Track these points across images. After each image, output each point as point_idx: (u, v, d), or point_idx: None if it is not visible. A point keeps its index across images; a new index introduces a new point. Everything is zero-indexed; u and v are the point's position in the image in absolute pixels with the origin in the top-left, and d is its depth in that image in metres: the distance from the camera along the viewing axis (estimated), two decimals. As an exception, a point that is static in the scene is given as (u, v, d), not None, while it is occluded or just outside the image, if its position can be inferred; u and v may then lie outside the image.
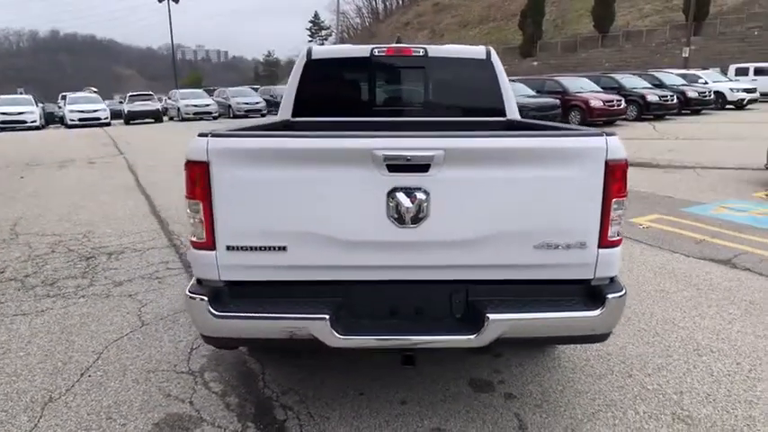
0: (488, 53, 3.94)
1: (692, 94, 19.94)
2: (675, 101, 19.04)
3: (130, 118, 28.50)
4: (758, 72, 25.47)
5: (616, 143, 2.17)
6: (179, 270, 4.81)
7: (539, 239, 2.21)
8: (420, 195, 2.12)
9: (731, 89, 22.15)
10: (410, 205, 2.12)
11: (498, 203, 2.16)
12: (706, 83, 22.29)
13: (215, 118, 29.17)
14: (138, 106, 29.17)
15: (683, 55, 29.76)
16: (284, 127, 3.76)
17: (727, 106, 21.98)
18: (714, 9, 40.98)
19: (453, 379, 2.97)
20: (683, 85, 20.91)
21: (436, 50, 3.91)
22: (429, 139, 2.11)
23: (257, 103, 30.93)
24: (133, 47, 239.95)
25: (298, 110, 3.91)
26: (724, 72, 26.02)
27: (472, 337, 2.18)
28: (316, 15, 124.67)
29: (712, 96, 20.63)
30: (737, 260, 4.86)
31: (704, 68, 26.67)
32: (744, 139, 13.12)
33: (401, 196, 2.12)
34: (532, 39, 52.99)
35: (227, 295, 2.27)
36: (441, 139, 2.10)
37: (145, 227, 6.36)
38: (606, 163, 2.16)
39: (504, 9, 68.98)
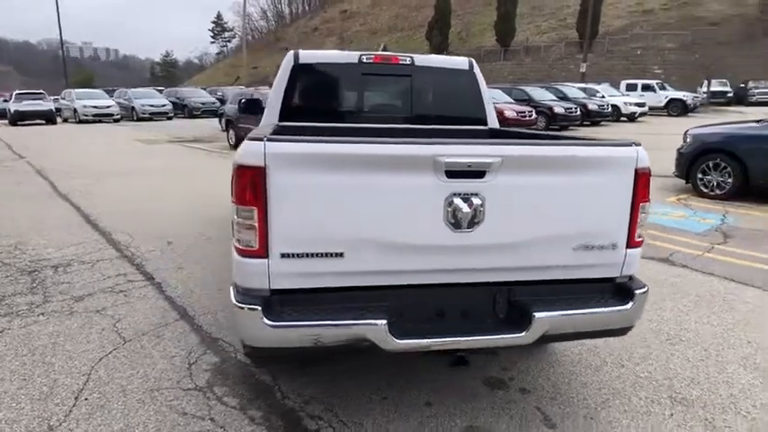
0: (471, 64, 4.11)
1: (592, 106, 21.74)
2: (579, 113, 20.65)
3: (18, 118, 25.99)
4: (645, 88, 28.31)
5: (643, 153, 2.39)
6: (142, 282, 4.50)
7: (577, 241, 2.37)
8: (476, 201, 2.20)
9: (625, 103, 24.45)
10: (468, 210, 2.19)
11: (544, 208, 2.30)
12: (603, 97, 24.39)
13: (116, 120, 27.45)
14: (28, 106, 26.59)
15: (581, 70, 32.31)
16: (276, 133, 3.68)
17: (622, 118, 24.22)
18: (602, 29, 44.91)
19: (467, 379, 3.07)
20: (584, 98, 22.74)
21: (422, 60, 4.02)
22: (489, 146, 2.20)
23: (163, 105, 29.50)
24: (8, 40, 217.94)
25: (285, 114, 3.83)
26: (615, 87, 28.60)
27: (521, 335, 2.30)
28: (218, 16, 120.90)
29: (610, 109, 22.62)
30: (674, 258, 5.41)
31: (597, 83, 29.16)
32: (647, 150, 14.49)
33: (459, 201, 2.19)
34: (439, 50, 54.97)
35: (278, 304, 2.20)
36: (499, 147, 2.20)
37: (84, 237, 5.87)
38: (636, 171, 2.37)
39: (412, 19, 71.04)
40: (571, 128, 20.95)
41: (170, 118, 29.03)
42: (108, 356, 3.25)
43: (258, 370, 3.10)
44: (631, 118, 24.42)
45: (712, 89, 33.20)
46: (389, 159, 2.14)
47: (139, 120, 27.93)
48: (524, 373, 3.15)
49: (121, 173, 10.60)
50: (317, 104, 3.97)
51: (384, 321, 2.17)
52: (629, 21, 48.06)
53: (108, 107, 27.93)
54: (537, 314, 2.29)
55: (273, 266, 2.16)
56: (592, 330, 2.48)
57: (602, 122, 22.95)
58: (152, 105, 29.11)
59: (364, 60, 3.90)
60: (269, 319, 2.13)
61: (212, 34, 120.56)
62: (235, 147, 16.03)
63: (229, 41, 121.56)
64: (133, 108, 28.64)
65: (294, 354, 2.28)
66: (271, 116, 3.85)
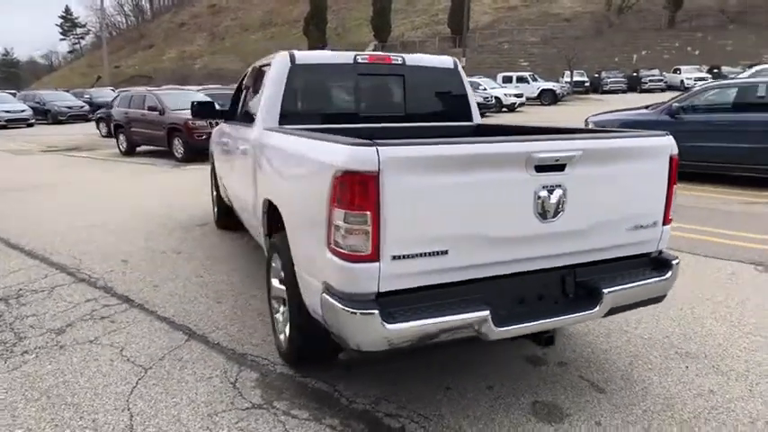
0: (455, 63, 4.31)
1: (479, 99, 23.09)
2: (468, 105, 21.83)
3: None
4: (519, 80, 30.76)
5: (674, 141, 2.73)
6: (122, 306, 4.13)
7: (632, 222, 2.66)
8: (559, 192, 2.39)
9: (505, 95, 26.33)
10: (553, 201, 2.38)
11: (608, 194, 2.55)
12: (485, 89, 26.03)
13: (-35, 129, 24.04)
14: None
15: (461, 65, 33.98)
16: None
17: (503, 109, 26.06)
18: (472, 24, 47.72)
19: (511, 359, 3.28)
20: (470, 91, 24.06)
21: (412, 59, 4.13)
22: (571, 141, 2.40)
23: (23, 111, 26.35)
24: None
25: (284, 117, 3.73)
26: (492, 80, 30.65)
27: (595, 310, 2.54)
28: (67, 10, 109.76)
29: (494, 101, 24.23)
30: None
31: (472, 77, 31.00)
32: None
33: (545, 193, 2.36)
34: (317, 46, 54.82)
35: (387, 305, 2.22)
36: (580, 141, 2.41)
37: (18, 263, 5.19)
38: (670, 157, 2.71)
39: (285, 15, 70.04)
40: (462, 119, 22.11)
41: (30, 125, 26.10)
42: (137, 387, 2.98)
43: (308, 379, 3.05)
44: (511, 108, 26.38)
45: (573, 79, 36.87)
46: (491, 158, 2.26)
47: (-8, 127, 24.70)
48: (553, 348, 3.43)
49: (14, 188, 9.40)
50: (317, 106, 3.92)
51: (488, 312, 2.28)
52: (495, 17, 51.62)
53: (-50, 115, 24.36)
54: (605, 290, 2.55)
55: (384, 269, 2.18)
56: (640, 300, 2.78)
57: (487, 113, 24.47)
58: (7, 111, 25.83)
59: (359, 60, 3.92)
60: (387, 322, 2.15)
61: (61, 30, 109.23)
62: (127, 153, 14.83)
63: (82, 38, 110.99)
64: (-18, 114, 25.18)
65: (398, 353, 2.29)
66: (269, 120, 3.71)
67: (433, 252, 2.24)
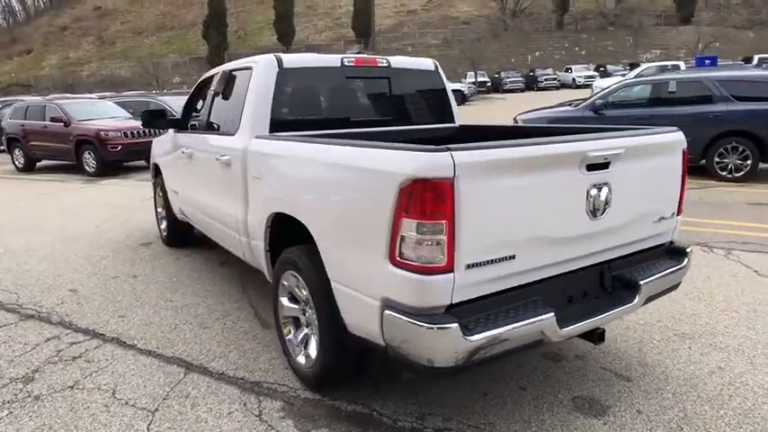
0: (436, 65, 4.28)
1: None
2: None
3: None
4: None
5: (684, 136, 2.88)
6: (92, 341, 3.67)
7: (657, 215, 2.76)
8: (606, 189, 2.42)
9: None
10: (602, 199, 2.41)
11: (641, 189, 2.63)
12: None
13: None
14: None
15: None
16: None
17: (418, 110, 26.59)
18: (376, 28, 48.32)
19: (527, 358, 3.29)
20: (385, 92, 24.34)
21: (396, 62, 4.04)
22: (617, 139, 2.43)
23: None
24: None
25: (274, 125, 3.49)
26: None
27: (635, 301, 2.61)
28: None
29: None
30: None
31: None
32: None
33: (595, 191, 2.38)
34: (219, 49, 52.79)
35: (460, 316, 2.12)
36: (622, 140, 2.45)
37: (-62, 304, 4.46)
38: (683, 151, 2.85)
39: (181, 18, 66.77)
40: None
41: None
42: (150, 434, 2.65)
43: (338, 402, 2.87)
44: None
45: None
46: (555, 158, 2.23)
47: None
48: (564, 342, 3.49)
49: None
50: (309, 111, 3.70)
51: (553, 314, 2.26)
52: (397, 20, 52.59)
53: None
54: (642, 282, 2.63)
55: (459, 280, 2.08)
56: (665, 289, 2.89)
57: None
58: None
59: (346, 63, 3.76)
60: (467, 335, 2.06)
61: None
62: (26, 169, 13.38)
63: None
64: None
65: (468, 366, 2.19)
66: (258, 127, 3.45)
67: (503, 257, 2.18)
